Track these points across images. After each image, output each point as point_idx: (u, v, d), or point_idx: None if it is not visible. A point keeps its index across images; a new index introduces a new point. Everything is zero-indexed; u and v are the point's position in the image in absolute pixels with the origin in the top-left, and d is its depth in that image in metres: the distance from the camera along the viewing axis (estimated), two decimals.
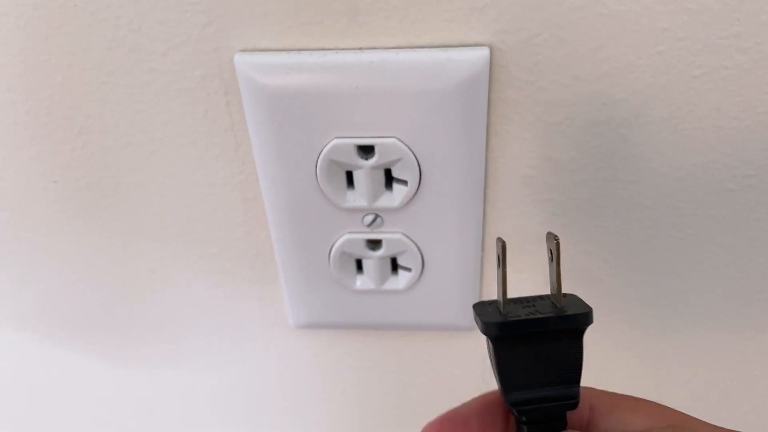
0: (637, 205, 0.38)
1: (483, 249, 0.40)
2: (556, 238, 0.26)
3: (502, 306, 0.26)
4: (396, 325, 0.44)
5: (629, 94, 0.34)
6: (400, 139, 0.35)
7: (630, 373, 0.46)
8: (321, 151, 0.35)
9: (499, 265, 0.26)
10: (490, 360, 0.27)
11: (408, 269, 0.40)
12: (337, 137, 0.35)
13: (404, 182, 0.36)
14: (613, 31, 0.32)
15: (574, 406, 0.26)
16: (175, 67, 0.35)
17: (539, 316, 0.26)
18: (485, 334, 0.26)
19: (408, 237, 0.39)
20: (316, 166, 0.36)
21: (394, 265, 0.41)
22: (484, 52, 0.32)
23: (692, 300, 0.41)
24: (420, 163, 0.35)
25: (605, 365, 0.46)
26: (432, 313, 0.43)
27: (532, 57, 0.33)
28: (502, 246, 0.26)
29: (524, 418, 0.26)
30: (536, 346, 0.26)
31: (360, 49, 0.33)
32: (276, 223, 0.39)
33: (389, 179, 0.37)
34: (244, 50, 0.34)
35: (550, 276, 0.26)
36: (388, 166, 0.36)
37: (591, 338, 0.44)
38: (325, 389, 0.50)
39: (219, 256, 0.42)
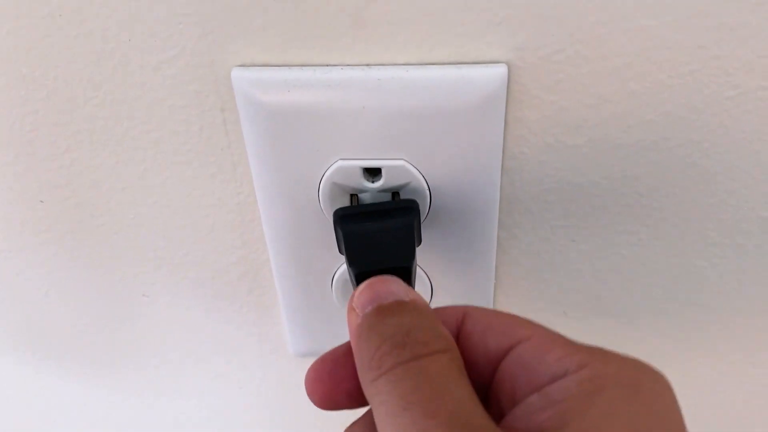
0: (661, 232, 0.35)
1: (496, 277, 0.38)
2: None
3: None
4: None
5: (658, 115, 0.31)
6: (409, 162, 0.32)
7: None
8: (324, 173, 0.33)
9: None
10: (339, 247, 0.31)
11: None
12: (341, 159, 0.32)
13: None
14: (642, 47, 0.29)
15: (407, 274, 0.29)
16: (167, 81, 0.32)
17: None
18: (333, 221, 0.31)
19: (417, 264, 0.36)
20: (318, 189, 0.34)
21: None
22: (502, 69, 0.30)
23: (714, 332, 0.39)
24: (430, 188, 0.33)
25: None
26: None
27: (553, 75, 0.30)
28: None
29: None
30: (374, 224, 0.30)
31: (367, 65, 0.31)
32: (276, 247, 0.37)
33: None
34: (242, 65, 0.31)
35: None
36: (395, 190, 0.33)
37: None
38: (323, 419, 0.47)
39: (215, 279, 0.40)
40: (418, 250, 0.36)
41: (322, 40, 0.30)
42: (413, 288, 0.29)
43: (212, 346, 0.43)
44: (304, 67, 0.31)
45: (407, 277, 0.30)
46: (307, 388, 0.26)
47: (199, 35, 0.31)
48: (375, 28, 0.30)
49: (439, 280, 0.37)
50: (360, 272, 0.29)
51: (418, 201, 0.33)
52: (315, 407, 0.46)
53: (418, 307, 0.24)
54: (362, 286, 0.25)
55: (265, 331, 0.42)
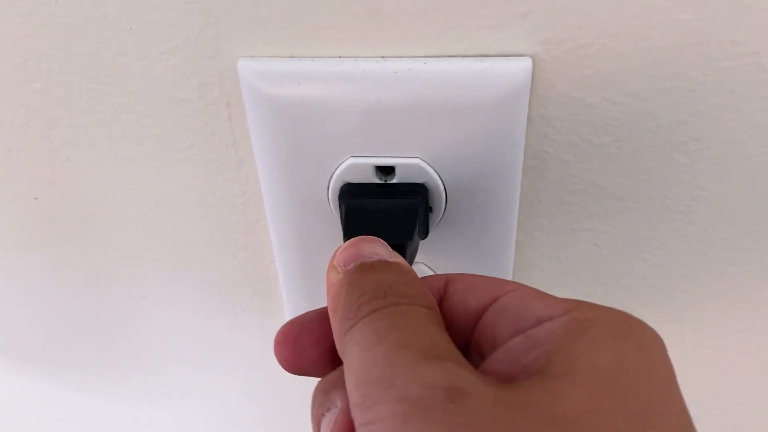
0: (687, 237, 0.33)
1: (513, 280, 0.36)
2: None
3: None
4: None
5: (689, 115, 0.29)
6: (424, 160, 0.30)
7: None
8: (334, 172, 0.31)
9: None
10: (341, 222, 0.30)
11: None
12: (353, 156, 0.31)
13: (428, 208, 0.32)
14: (676, 43, 0.27)
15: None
16: (169, 73, 0.30)
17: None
18: (339, 195, 0.31)
19: (429, 267, 0.35)
20: (328, 188, 0.32)
21: None
22: (526, 63, 0.28)
23: (745, 342, 0.37)
24: (446, 187, 0.31)
25: None
26: None
27: (580, 70, 0.29)
28: None
29: None
30: (376, 201, 0.30)
31: (382, 57, 0.29)
32: (282, 249, 0.35)
33: None
34: (248, 56, 0.30)
35: None
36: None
37: None
38: None
39: (217, 282, 0.38)
40: (431, 252, 0.34)
41: (334, 31, 0.29)
42: None
43: (213, 351, 0.42)
44: (315, 59, 0.29)
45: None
46: (274, 351, 0.24)
47: (203, 24, 0.29)
48: (391, 17, 0.28)
49: None
50: None
51: (433, 201, 0.31)
52: None
53: (401, 268, 0.23)
54: (345, 244, 0.24)
55: (269, 335, 0.40)
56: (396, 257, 0.24)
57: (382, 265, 0.23)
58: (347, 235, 0.29)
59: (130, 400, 0.46)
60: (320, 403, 0.22)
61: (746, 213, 0.32)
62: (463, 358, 0.19)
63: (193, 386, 0.44)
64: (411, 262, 0.30)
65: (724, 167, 0.31)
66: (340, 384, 0.21)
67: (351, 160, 0.31)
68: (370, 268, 0.23)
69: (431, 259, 0.34)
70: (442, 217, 0.32)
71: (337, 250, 0.24)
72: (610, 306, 0.20)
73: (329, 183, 0.32)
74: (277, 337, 0.24)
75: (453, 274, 0.24)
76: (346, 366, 0.20)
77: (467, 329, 0.23)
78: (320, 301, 0.37)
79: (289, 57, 0.29)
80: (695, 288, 0.35)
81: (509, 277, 0.35)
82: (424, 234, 0.31)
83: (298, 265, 0.35)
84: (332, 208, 0.32)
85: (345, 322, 0.21)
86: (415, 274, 0.23)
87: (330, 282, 0.23)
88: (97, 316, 0.41)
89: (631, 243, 0.34)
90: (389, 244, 0.27)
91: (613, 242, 0.34)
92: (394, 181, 0.31)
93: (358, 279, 0.22)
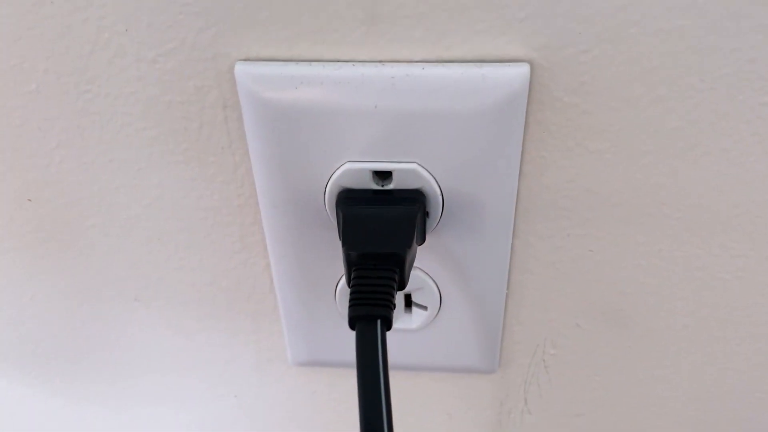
0: (684, 243, 0.33)
1: (508, 286, 0.36)
2: None
3: None
4: (406, 366, 0.39)
5: (686, 122, 0.29)
6: (422, 165, 0.30)
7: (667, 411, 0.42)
8: (331, 176, 0.31)
9: None
10: (338, 228, 0.30)
11: (423, 307, 0.36)
12: (350, 161, 0.31)
13: (425, 213, 0.32)
14: (673, 49, 0.27)
15: (401, 277, 0.29)
16: (165, 76, 0.30)
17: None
18: (336, 202, 0.31)
19: (425, 272, 0.35)
20: (324, 192, 0.32)
21: (407, 301, 0.37)
22: (524, 69, 0.28)
23: (740, 351, 0.37)
24: (443, 192, 0.31)
25: (631, 402, 0.42)
26: (447, 354, 0.38)
27: (577, 76, 0.29)
28: None
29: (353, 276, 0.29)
30: (374, 208, 0.30)
31: (380, 62, 0.29)
32: (277, 253, 0.35)
33: None
34: (245, 59, 0.29)
35: None
36: None
37: (622, 375, 0.40)
38: (321, 430, 0.45)
39: (212, 285, 0.38)
40: (428, 258, 0.34)
41: (332, 34, 0.28)
42: (405, 284, 0.29)
43: (207, 354, 0.41)
44: (312, 63, 0.29)
45: (400, 265, 0.29)
46: None
47: (200, 27, 0.29)
48: (389, 22, 0.28)
49: (449, 289, 0.35)
50: (350, 253, 0.29)
51: (430, 206, 0.31)
52: (315, 416, 0.45)
53: None
54: None
55: (263, 339, 0.40)
56: None
57: None
58: (345, 243, 0.29)
59: (120, 403, 0.46)
60: None
61: (743, 219, 0.32)
62: None
63: (185, 388, 0.44)
64: (410, 269, 0.30)
65: (720, 174, 0.31)
66: None
67: (348, 165, 0.31)
68: None
69: (427, 264, 0.34)
70: (438, 222, 0.32)
71: None
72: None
73: (326, 187, 0.31)
74: None
75: None
76: None
77: None
78: (314, 305, 0.37)
79: (287, 60, 0.29)
80: (691, 294, 0.35)
81: (505, 283, 0.35)
82: (422, 240, 0.31)
83: (293, 269, 0.35)
84: (328, 211, 0.32)
85: None
86: None
87: None
88: (90, 317, 0.41)
89: (627, 249, 0.34)
90: (388, 253, 0.27)
91: (608, 248, 0.34)
92: (391, 186, 0.31)
93: None
